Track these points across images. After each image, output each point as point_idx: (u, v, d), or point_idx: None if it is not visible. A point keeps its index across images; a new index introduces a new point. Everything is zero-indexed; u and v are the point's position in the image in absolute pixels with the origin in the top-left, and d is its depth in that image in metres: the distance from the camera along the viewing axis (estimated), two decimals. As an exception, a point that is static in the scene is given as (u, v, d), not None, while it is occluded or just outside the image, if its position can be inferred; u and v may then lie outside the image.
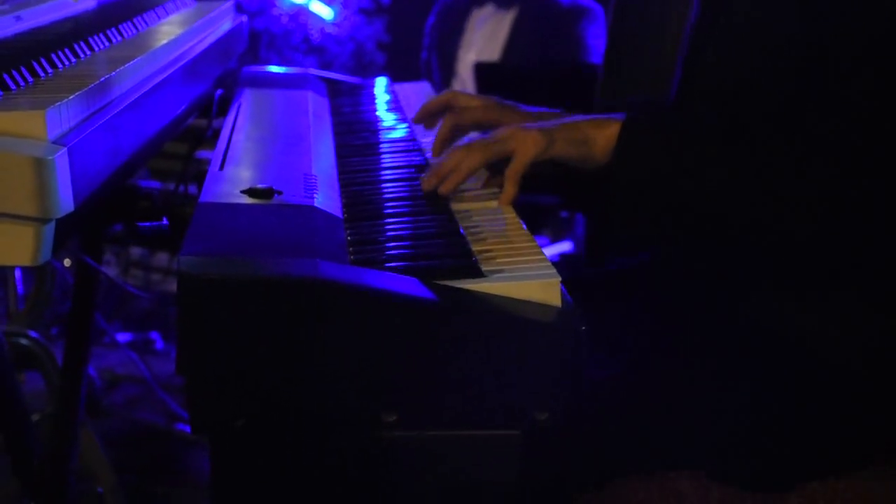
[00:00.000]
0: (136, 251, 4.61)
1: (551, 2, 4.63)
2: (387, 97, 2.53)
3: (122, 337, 4.63)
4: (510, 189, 1.71)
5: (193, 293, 1.25)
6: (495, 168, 1.81)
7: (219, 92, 2.35)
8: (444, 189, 1.72)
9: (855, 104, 1.66)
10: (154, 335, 4.65)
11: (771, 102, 1.76)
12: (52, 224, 1.25)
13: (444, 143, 1.96)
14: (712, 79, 1.87)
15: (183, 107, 2.01)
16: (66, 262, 3.81)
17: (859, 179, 1.63)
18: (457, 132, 1.99)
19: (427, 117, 2.07)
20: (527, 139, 1.71)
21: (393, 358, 1.30)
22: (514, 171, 1.71)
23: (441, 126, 1.98)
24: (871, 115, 1.65)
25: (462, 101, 2.02)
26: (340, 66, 5.92)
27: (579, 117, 1.76)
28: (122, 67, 1.67)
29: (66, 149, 1.28)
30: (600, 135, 1.71)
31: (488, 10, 4.72)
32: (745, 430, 1.78)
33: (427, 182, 1.75)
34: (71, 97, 1.42)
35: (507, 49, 4.66)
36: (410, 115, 2.23)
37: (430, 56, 4.97)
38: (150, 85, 1.74)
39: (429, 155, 1.97)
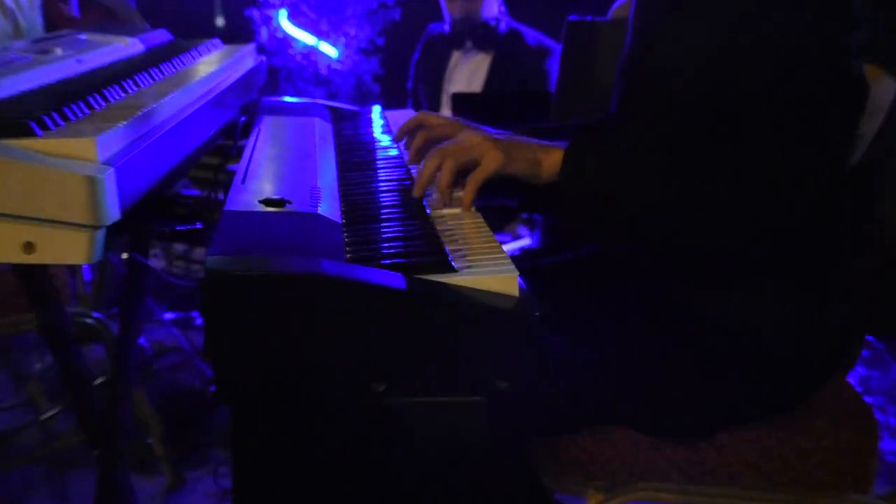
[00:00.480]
0: (179, 247, 4.61)
1: (521, 44, 4.64)
2: (380, 122, 2.51)
3: (168, 315, 4.62)
4: (469, 196, 1.69)
5: (217, 286, 1.24)
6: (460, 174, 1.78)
7: (242, 118, 2.33)
8: (439, 194, 1.70)
9: (766, 119, 1.63)
10: (194, 314, 4.65)
11: (693, 121, 1.74)
12: (103, 230, 1.24)
13: (418, 152, 1.95)
14: (642, 103, 1.86)
15: (212, 131, 2.00)
16: (124, 256, 3.79)
17: (776, 190, 1.60)
18: (428, 144, 1.97)
19: (403, 134, 2.05)
20: (492, 155, 1.69)
21: (381, 338, 1.29)
22: (475, 180, 1.69)
23: (415, 140, 1.97)
24: (782, 127, 1.62)
25: (431, 120, 2.01)
26: (344, 95, 5.91)
27: (532, 141, 1.74)
28: (162, 100, 1.66)
29: (113, 169, 1.27)
30: (547, 158, 1.70)
31: (469, 51, 4.71)
32: (668, 392, 1.77)
33: (417, 191, 1.73)
34: (118, 126, 1.41)
35: (487, 82, 4.67)
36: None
37: (416, 86, 4.97)
38: (186, 114, 1.73)
39: (413, 171, 1.95)
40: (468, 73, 4.74)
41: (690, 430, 1.79)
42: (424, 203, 1.73)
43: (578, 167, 1.67)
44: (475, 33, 4.67)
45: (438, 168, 1.71)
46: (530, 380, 1.33)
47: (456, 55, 4.75)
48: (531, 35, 4.67)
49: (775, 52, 1.64)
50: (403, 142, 2.06)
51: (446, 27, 4.76)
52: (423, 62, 4.92)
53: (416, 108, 4.93)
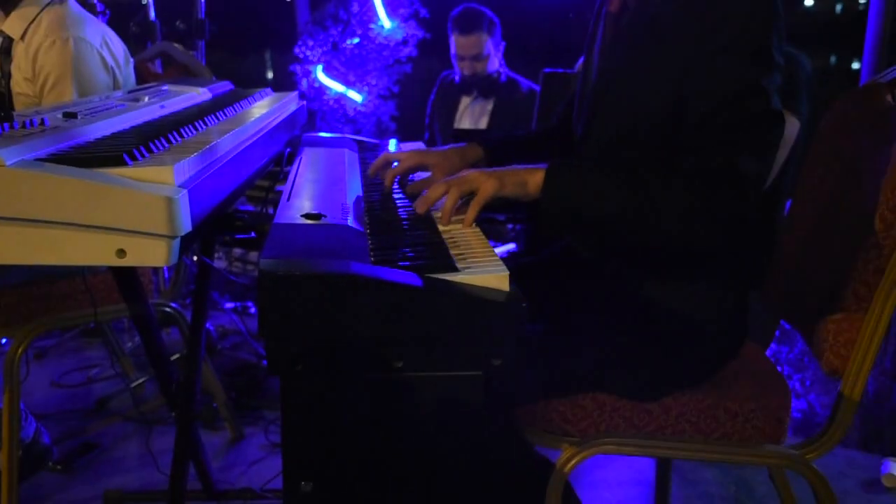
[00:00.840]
0: (238, 251, 4.59)
1: (517, 91, 4.66)
2: (395, 149, 2.50)
3: (229, 305, 4.61)
4: (471, 215, 1.66)
5: (269, 283, 1.22)
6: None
7: (287, 150, 2.32)
8: (442, 221, 1.67)
9: (707, 142, 1.62)
10: (249, 304, 4.63)
11: (648, 144, 1.74)
12: (178, 239, 1.23)
13: (390, 187, 1.94)
14: (605, 129, 1.85)
15: (264, 160, 1.98)
16: (194, 258, 3.78)
17: (712, 200, 1.59)
18: (397, 177, 1.98)
19: (375, 171, 2.05)
20: (487, 183, 1.66)
21: (400, 324, 1.27)
22: (476, 203, 1.66)
23: (386, 177, 1.97)
24: (721, 148, 1.61)
25: (394, 157, 2.01)
26: (367, 132, 5.89)
27: (519, 167, 1.71)
28: (224, 136, 1.64)
29: (186, 191, 1.25)
30: (531, 179, 1.67)
31: (476, 98, 4.73)
32: (625, 364, 1.77)
33: (420, 209, 1.72)
34: (191, 156, 1.39)
35: (490, 122, 4.67)
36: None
37: (431, 122, 4.96)
38: (243, 147, 1.71)
39: (423, 193, 1.94)
40: (475, 114, 4.75)
41: (644, 394, 1.79)
42: (433, 217, 1.71)
43: (555, 184, 1.65)
44: (480, 85, 4.68)
45: (444, 194, 1.69)
46: (517, 357, 1.31)
47: (465, 100, 4.77)
48: (525, 83, 4.68)
49: (712, 91, 1.63)
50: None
51: (457, 77, 4.76)
52: (437, 103, 4.92)
53: (431, 138, 4.93)
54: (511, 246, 4.20)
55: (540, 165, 1.69)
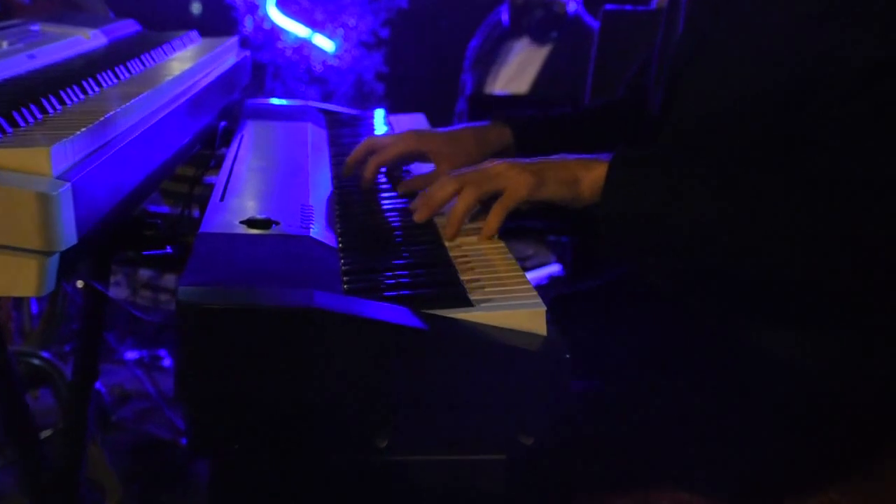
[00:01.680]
0: (145, 273, 4.62)
1: (584, 35, 4.59)
2: (384, 129, 2.52)
3: (132, 354, 4.62)
4: (493, 224, 1.68)
5: (191, 322, 1.24)
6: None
7: (222, 124, 2.34)
8: (448, 234, 1.69)
9: (841, 136, 1.63)
10: (162, 352, 4.65)
11: (754, 135, 1.74)
12: (56, 256, 1.24)
13: (370, 183, 1.98)
14: (690, 115, 1.86)
15: (187, 139, 2.00)
16: (79, 284, 3.80)
17: (849, 214, 1.60)
18: (381, 168, 2.02)
19: (353, 166, 2.06)
20: (518, 180, 1.68)
21: (385, 385, 1.29)
22: (501, 209, 1.68)
23: (365, 169, 2.00)
24: (860, 147, 1.62)
25: (380, 143, 2.04)
26: (342, 96, 5.93)
27: (568, 157, 1.73)
28: (128, 103, 1.66)
29: (70, 184, 1.27)
30: (588, 175, 1.68)
31: (523, 42, 4.71)
32: (720, 447, 1.77)
33: (419, 214, 1.73)
34: (76, 133, 1.41)
35: (537, 84, 4.67)
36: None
37: (465, 76, 4.97)
38: (156, 119, 1.74)
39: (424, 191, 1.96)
40: (511, 70, 4.74)
41: (753, 495, 1.79)
42: (436, 226, 1.73)
43: (622, 185, 1.66)
44: (534, 19, 4.65)
45: (455, 194, 1.71)
46: (559, 433, 1.33)
47: (508, 46, 4.76)
48: (594, 25, 4.61)
49: (843, 64, 1.64)
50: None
51: (505, 16, 4.75)
52: (476, 51, 4.92)
53: (466, 98, 4.88)
54: (552, 268, 4.22)
55: (600, 157, 1.70)
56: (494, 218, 1.68)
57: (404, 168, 2.09)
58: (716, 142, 1.80)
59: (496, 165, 1.72)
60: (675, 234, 1.65)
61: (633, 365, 1.88)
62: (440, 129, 2.09)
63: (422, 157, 2.03)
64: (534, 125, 2.16)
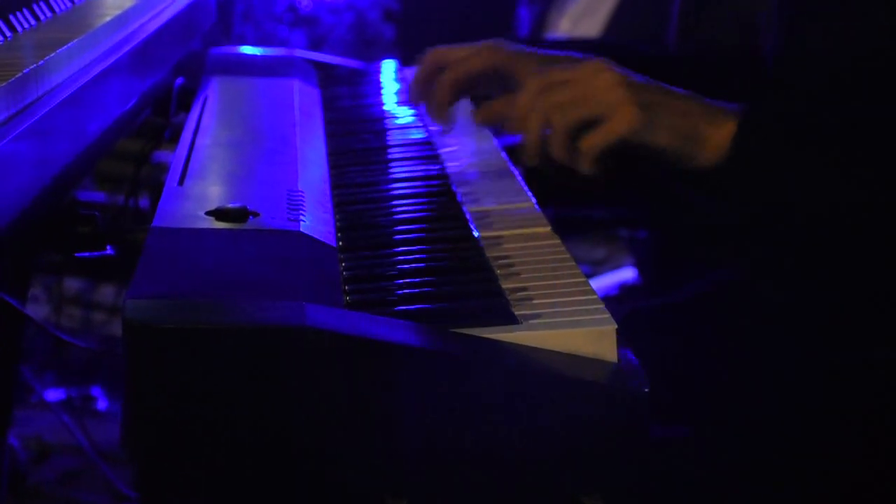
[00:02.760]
0: (74, 284, 4.61)
1: None
2: (396, 86, 2.54)
3: (55, 395, 4.63)
4: (591, 150, 1.68)
5: (143, 347, 1.25)
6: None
7: (179, 82, 2.36)
8: (528, 157, 1.72)
9: None
10: (96, 391, 4.65)
11: None
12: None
13: (445, 114, 1.96)
14: (818, 61, 1.87)
15: (131, 103, 2.01)
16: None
17: None
18: (460, 96, 1.99)
19: (420, 93, 2.03)
20: (624, 107, 1.68)
21: (400, 429, 1.31)
22: (596, 144, 1.69)
23: (435, 92, 1.97)
24: None
25: (454, 55, 1.99)
26: (337, 43, 5.94)
27: (692, 97, 1.73)
28: (53, 54, 1.68)
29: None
30: (715, 133, 1.69)
31: None
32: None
33: (481, 113, 1.76)
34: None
35: (608, 27, 4.70)
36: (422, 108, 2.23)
37: (521, 10, 4.99)
38: (90, 75, 1.75)
39: (448, 164, 1.98)
40: (579, 9, 4.78)
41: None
42: (468, 215, 1.77)
43: (764, 147, 1.68)
44: None
45: (544, 127, 1.72)
46: (634, 490, 1.35)
47: None
48: None
49: None
50: (431, 123, 2.08)
51: None
52: None
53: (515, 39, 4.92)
54: (625, 273, 4.23)
55: (728, 105, 1.73)
56: (587, 161, 1.69)
57: None
58: (846, 101, 1.81)
59: (594, 72, 1.73)
60: (821, 224, 1.67)
61: (734, 404, 1.89)
62: (529, 49, 2.05)
63: (506, 81, 2.01)
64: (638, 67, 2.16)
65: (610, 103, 1.69)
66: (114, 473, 4.12)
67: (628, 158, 1.72)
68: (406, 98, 2.33)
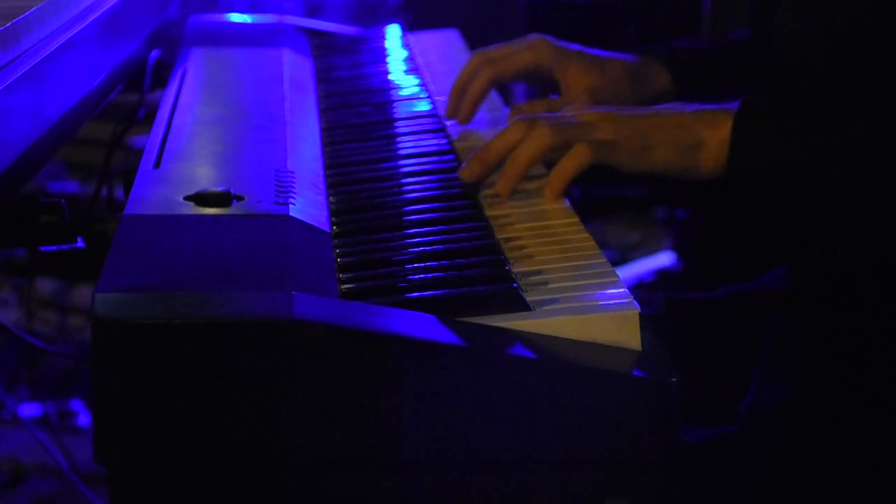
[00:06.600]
0: (46, 284, 4.62)
1: None
2: (400, 54, 2.54)
3: (29, 410, 4.63)
4: (557, 183, 1.72)
5: (114, 344, 1.26)
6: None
7: (154, 54, 2.37)
8: (500, 188, 1.73)
9: None
10: (75, 405, 4.66)
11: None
12: None
13: (476, 104, 2.00)
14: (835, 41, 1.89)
15: (100, 78, 2.01)
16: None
17: None
18: (494, 87, 2.03)
19: (460, 100, 2.08)
20: (606, 142, 1.72)
21: (403, 430, 1.31)
22: (574, 161, 1.71)
23: (473, 84, 2.01)
24: None
25: (497, 53, 2.05)
26: (333, 7, 5.96)
27: (686, 107, 1.77)
28: (7, 24, 1.67)
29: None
30: (713, 137, 1.72)
31: None
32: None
33: (467, 170, 1.76)
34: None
35: None
36: (432, 78, 2.24)
37: None
38: (52, 47, 1.75)
39: (456, 138, 1.98)
40: None
41: None
42: (479, 197, 1.78)
43: (761, 146, 1.69)
44: None
45: (520, 141, 1.75)
46: (664, 494, 1.35)
47: None
48: None
49: None
50: (438, 93, 2.09)
51: None
52: None
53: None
54: (662, 258, 4.23)
55: (728, 106, 1.74)
56: (560, 174, 1.72)
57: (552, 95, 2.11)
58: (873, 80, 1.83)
59: (586, 113, 1.76)
60: (830, 204, 1.68)
61: (780, 405, 1.89)
62: (586, 49, 2.10)
63: (549, 80, 2.04)
64: (697, 62, 2.16)
65: (597, 132, 1.73)
66: (95, 496, 4.14)
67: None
68: (412, 70, 2.35)
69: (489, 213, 1.71)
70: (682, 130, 1.73)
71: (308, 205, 1.67)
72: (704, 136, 1.72)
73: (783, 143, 1.69)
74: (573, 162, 1.71)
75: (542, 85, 2.08)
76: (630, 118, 1.75)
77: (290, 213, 1.61)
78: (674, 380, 1.34)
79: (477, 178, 1.76)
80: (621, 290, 1.45)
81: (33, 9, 1.79)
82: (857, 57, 1.80)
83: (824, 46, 1.84)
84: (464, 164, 1.77)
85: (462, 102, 2.06)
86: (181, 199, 1.61)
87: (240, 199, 1.62)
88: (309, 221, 1.62)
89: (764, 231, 1.73)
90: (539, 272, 1.52)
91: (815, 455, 1.79)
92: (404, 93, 2.27)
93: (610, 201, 3.66)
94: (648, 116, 1.76)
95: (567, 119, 1.75)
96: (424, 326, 1.35)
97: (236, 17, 2.87)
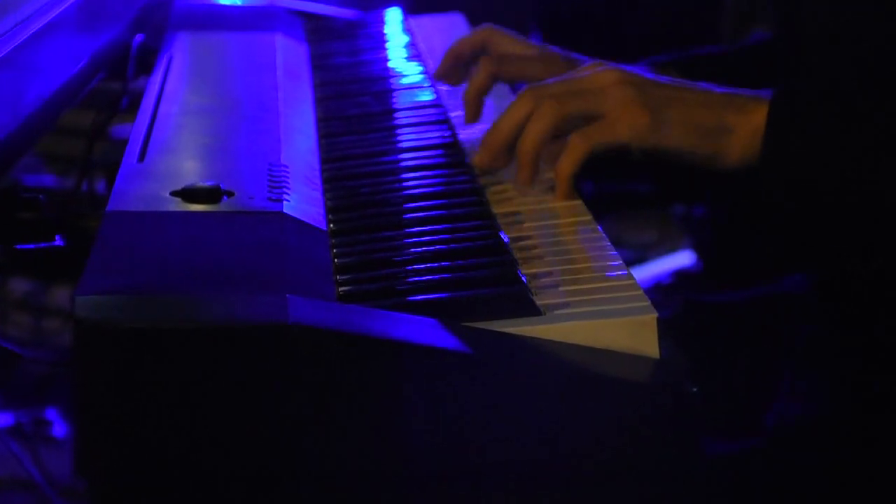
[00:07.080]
0: (21, 285, 4.62)
1: None
2: (401, 39, 2.55)
3: (1, 419, 4.64)
4: (565, 167, 1.71)
5: (95, 350, 1.26)
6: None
7: (138, 39, 2.37)
8: (519, 179, 1.74)
9: None
10: (50, 414, 4.66)
11: None
12: None
13: (478, 99, 1.98)
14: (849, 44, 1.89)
15: (80, 65, 2.02)
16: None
17: None
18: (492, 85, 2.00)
19: (453, 67, 2.08)
20: (627, 110, 1.71)
21: (404, 442, 1.31)
22: (583, 143, 1.71)
23: (473, 77, 2.00)
24: None
25: (503, 45, 2.03)
26: (331, -6, 5.94)
27: (716, 88, 1.76)
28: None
29: None
30: (745, 123, 1.71)
31: None
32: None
33: (478, 156, 1.78)
34: None
35: None
36: (436, 66, 2.24)
37: None
38: (29, 32, 1.76)
39: (461, 130, 1.99)
40: None
41: None
42: (485, 190, 1.78)
43: (799, 138, 1.70)
44: None
45: (527, 118, 1.75)
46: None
47: None
48: None
49: None
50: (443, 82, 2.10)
51: None
52: None
53: None
54: (681, 258, 4.23)
55: (758, 92, 1.74)
56: (567, 159, 1.72)
57: None
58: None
59: (599, 73, 1.75)
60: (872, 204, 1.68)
61: (811, 420, 1.89)
62: (591, 60, 2.08)
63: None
64: (716, 68, 2.16)
65: (607, 99, 1.72)
66: (71, 508, 4.14)
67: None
68: (414, 56, 2.35)
69: (496, 210, 1.71)
70: (706, 111, 1.72)
71: (303, 201, 1.67)
72: (733, 121, 1.70)
73: (822, 133, 1.69)
74: (569, 159, 1.71)
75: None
76: (649, 84, 1.74)
77: (284, 210, 1.62)
78: (694, 389, 1.33)
79: (489, 165, 1.76)
80: (637, 293, 1.45)
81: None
82: (889, 50, 1.80)
83: (855, 40, 1.84)
84: (479, 151, 1.78)
85: (455, 70, 2.08)
86: (167, 195, 1.61)
87: (230, 194, 1.62)
88: (304, 219, 1.63)
89: (790, 229, 1.72)
90: (549, 274, 1.52)
91: (850, 474, 1.79)
92: (406, 81, 2.27)
93: (625, 198, 3.66)
94: (671, 87, 1.75)
95: (576, 84, 1.74)
96: (427, 331, 1.36)
97: (226, 0, 2.88)
